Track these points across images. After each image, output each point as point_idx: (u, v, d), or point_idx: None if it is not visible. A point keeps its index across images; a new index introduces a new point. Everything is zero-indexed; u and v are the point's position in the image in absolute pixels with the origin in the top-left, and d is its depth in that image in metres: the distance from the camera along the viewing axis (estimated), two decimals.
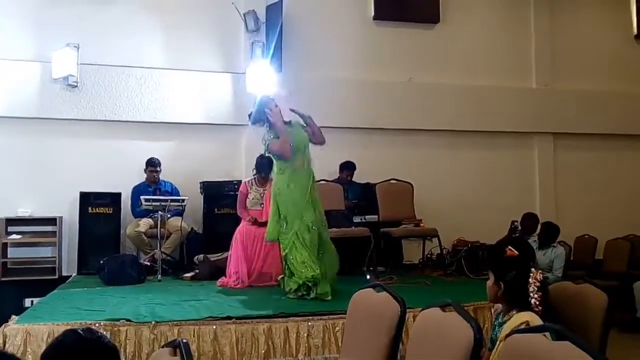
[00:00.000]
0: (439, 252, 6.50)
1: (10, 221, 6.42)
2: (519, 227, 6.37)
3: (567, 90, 8.11)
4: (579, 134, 8.12)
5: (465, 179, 7.73)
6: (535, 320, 2.34)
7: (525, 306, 2.42)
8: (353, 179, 7.03)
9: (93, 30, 6.72)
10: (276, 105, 4.87)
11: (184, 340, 1.62)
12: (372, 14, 7.66)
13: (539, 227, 6.21)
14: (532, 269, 2.50)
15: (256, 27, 7.00)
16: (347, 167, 6.99)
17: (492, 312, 2.73)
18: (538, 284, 2.46)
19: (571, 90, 8.11)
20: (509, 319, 2.45)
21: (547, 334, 1.85)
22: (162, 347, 1.89)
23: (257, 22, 6.99)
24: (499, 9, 8.14)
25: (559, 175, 8.13)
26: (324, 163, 6.68)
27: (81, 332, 1.62)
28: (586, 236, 7.52)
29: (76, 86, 6.60)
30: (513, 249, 2.51)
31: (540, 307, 2.42)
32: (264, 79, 6.82)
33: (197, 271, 5.91)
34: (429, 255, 6.68)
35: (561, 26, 8.24)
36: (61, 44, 6.41)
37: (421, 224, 6.47)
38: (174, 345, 1.69)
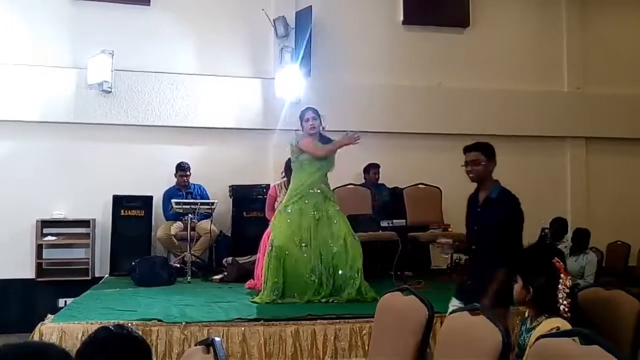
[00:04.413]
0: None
1: (46, 223, 6.57)
2: (549, 234, 6.29)
3: (600, 93, 7.97)
4: (612, 138, 7.96)
5: None
6: (566, 326, 2.31)
7: (554, 312, 2.40)
8: (381, 182, 7.03)
9: (127, 37, 6.88)
10: (308, 120, 4.92)
11: (217, 338, 1.66)
12: (401, 18, 7.65)
13: (571, 233, 6.13)
14: (562, 275, 2.48)
15: (285, 33, 7.06)
16: (374, 166, 7.00)
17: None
18: (567, 290, 2.44)
19: (604, 94, 7.96)
20: (538, 324, 2.43)
21: (577, 338, 1.84)
22: (195, 345, 1.93)
23: (286, 28, 7.05)
24: (530, 11, 8.06)
25: (592, 180, 7.99)
26: (352, 167, 6.72)
27: (112, 329, 1.69)
28: (619, 242, 7.37)
29: (110, 92, 6.74)
30: (560, 261, 2.50)
31: (569, 314, 2.40)
32: (293, 84, 6.88)
33: (225, 273, 5.98)
34: (457, 261, 6.63)
35: (593, 28, 8.10)
36: (96, 50, 6.57)
37: (449, 229, 6.42)
38: (207, 344, 1.74)
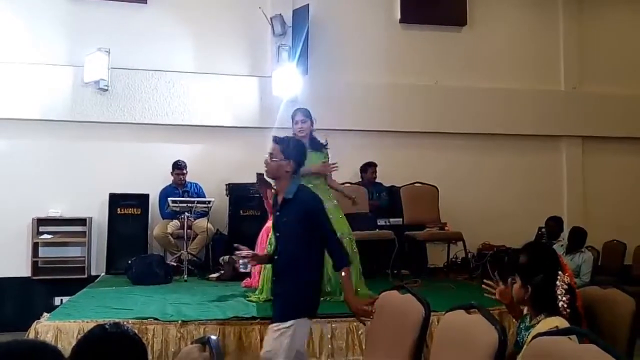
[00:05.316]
0: (464, 256, 6.45)
1: (42, 221, 6.56)
2: (545, 233, 6.31)
3: (596, 92, 7.99)
4: (609, 137, 7.98)
5: (491, 183, 7.67)
6: (565, 325, 2.31)
7: (552, 309, 2.40)
8: (378, 181, 7.04)
9: (124, 35, 6.86)
10: (298, 122, 4.83)
11: (213, 337, 1.65)
12: (399, 17, 7.65)
13: (567, 232, 6.14)
14: (559, 272, 2.48)
15: (283, 31, 7.05)
16: (371, 164, 7.00)
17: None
18: (565, 286, 2.45)
19: (600, 93, 7.99)
20: (537, 323, 2.43)
21: (574, 337, 1.84)
22: (192, 343, 1.93)
23: (283, 26, 7.03)
24: (527, 11, 8.07)
25: (588, 179, 8.01)
26: (349, 165, 6.71)
27: (107, 327, 1.68)
28: (615, 241, 7.39)
29: (107, 90, 6.72)
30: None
31: (568, 310, 2.40)
32: (290, 83, 6.88)
33: (222, 272, 5.97)
34: (453, 259, 6.64)
35: (590, 28, 8.12)
36: (93, 48, 6.55)
37: (446, 228, 6.43)
38: (203, 342, 1.74)
